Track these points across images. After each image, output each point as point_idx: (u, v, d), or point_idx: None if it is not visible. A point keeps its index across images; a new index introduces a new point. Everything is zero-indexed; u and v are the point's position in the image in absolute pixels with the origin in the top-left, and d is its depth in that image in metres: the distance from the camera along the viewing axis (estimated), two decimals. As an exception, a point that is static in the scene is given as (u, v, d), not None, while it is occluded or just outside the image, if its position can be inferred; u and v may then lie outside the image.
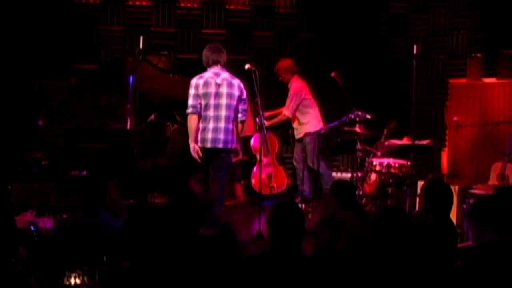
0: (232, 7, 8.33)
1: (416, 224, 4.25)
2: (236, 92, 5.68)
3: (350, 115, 6.66)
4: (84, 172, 6.48)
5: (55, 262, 3.55)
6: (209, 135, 5.63)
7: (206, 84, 5.62)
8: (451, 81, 8.16)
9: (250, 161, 7.89)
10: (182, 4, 8.25)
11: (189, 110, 5.66)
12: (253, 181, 7.63)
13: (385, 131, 7.32)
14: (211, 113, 5.62)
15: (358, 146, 6.82)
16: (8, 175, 6.42)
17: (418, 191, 6.24)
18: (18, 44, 7.87)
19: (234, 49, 8.27)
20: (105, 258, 3.41)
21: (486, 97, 7.69)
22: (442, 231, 4.18)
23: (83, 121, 8.03)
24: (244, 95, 5.73)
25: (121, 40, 8.15)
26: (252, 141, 7.73)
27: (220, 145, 5.66)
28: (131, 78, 6.72)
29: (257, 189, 6.75)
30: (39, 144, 7.58)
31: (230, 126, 5.68)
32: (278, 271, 3.04)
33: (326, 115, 7.65)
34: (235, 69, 6.00)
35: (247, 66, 6.03)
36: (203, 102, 5.62)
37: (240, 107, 5.74)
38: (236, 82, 5.73)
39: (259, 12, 8.37)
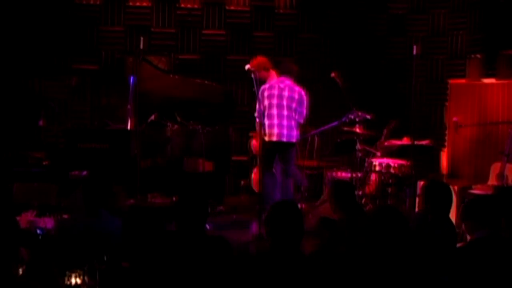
0: (232, 7, 8.33)
1: (416, 224, 4.27)
2: (296, 96, 6.52)
3: (350, 116, 6.65)
4: (85, 172, 6.49)
5: (56, 262, 3.55)
6: (275, 130, 6.45)
7: (271, 87, 6.54)
8: (451, 81, 8.17)
9: (250, 161, 7.88)
10: (182, 5, 8.25)
11: (256, 114, 6.55)
12: (253, 181, 7.62)
13: (385, 131, 7.31)
14: (274, 111, 6.47)
15: (358, 146, 6.82)
16: (8, 175, 6.43)
17: (418, 191, 6.26)
18: (18, 44, 7.88)
19: (234, 49, 8.29)
20: (105, 258, 3.41)
21: (486, 97, 7.70)
22: (441, 231, 4.19)
23: (83, 121, 8.04)
24: (304, 100, 6.55)
25: (122, 40, 8.16)
26: (252, 141, 7.71)
27: (284, 139, 6.45)
28: (131, 78, 6.72)
29: (257, 190, 6.75)
30: (39, 144, 7.59)
31: (292, 123, 6.52)
32: (278, 271, 3.04)
33: (326, 115, 7.65)
34: (235, 70, 6.03)
35: (247, 67, 6.11)
36: (267, 102, 6.47)
37: (298, 109, 6.54)
38: (297, 88, 6.59)
39: (259, 12, 8.37)
